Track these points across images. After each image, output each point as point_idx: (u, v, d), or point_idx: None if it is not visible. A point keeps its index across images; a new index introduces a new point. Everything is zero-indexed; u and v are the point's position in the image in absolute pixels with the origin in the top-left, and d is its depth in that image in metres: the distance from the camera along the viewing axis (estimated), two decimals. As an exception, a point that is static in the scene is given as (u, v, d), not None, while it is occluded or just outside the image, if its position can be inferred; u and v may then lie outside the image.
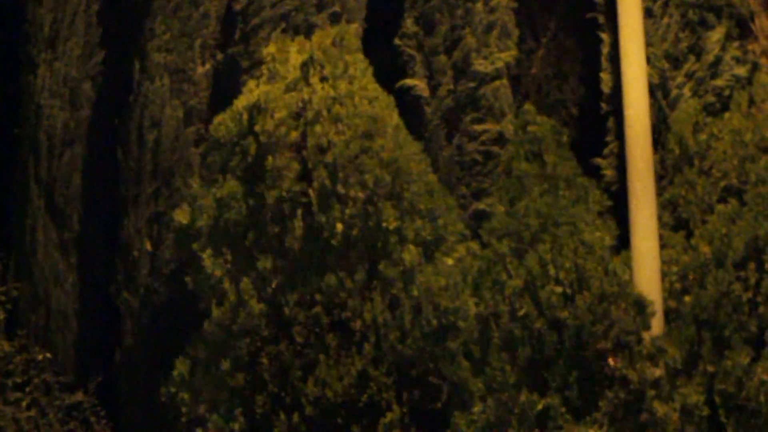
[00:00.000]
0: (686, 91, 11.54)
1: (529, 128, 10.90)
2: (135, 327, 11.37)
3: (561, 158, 10.84)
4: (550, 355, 9.94)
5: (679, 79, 11.59)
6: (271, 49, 10.79)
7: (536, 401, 9.82)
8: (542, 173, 10.69)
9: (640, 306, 10.10)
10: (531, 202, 10.32)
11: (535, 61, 12.22)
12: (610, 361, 9.69)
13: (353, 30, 11.10)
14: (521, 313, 9.94)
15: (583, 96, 12.18)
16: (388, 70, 11.70)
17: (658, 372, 9.93)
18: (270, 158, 10.31)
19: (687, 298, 10.41)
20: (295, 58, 10.67)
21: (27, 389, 10.53)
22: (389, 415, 10.00)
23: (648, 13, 11.53)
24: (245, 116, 10.55)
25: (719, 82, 11.55)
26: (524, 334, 9.92)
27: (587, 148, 11.45)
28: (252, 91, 10.65)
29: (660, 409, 9.81)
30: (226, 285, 10.27)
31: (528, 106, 11.16)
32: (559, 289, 9.98)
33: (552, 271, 10.01)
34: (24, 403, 10.45)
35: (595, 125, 11.77)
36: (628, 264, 10.39)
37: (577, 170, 10.92)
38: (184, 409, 10.26)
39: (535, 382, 9.93)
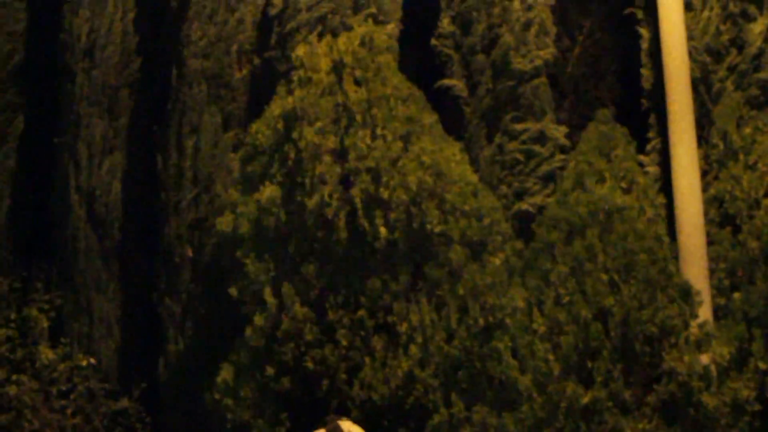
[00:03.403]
0: (729, 85, 11.41)
1: (601, 127, 10.79)
2: (177, 333, 11.34)
3: (627, 156, 10.72)
4: (595, 346, 9.84)
5: (722, 73, 11.46)
6: (300, 52, 10.74)
7: (582, 394, 9.72)
8: (608, 168, 10.57)
9: (686, 293, 10.00)
10: (582, 192, 10.23)
11: (572, 59, 12.13)
12: None
13: (383, 29, 11.04)
14: (566, 299, 9.86)
15: (621, 94, 12.08)
16: (425, 71, 11.63)
17: (705, 359, 9.81)
18: (311, 165, 10.27)
19: (736, 295, 10.28)
20: (326, 62, 10.62)
21: (72, 396, 10.53)
22: (436, 417, 9.91)
23: (688, 7, 11.40)
24: (281, 124, 10.51)
25: (762, 74, 11.41)
26: (569, 321, 9.83)
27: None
28: (285, 97, 10.61)
29: (710, 402, 9.69)
30: (269, 291, 10.22)
31: (603, 112, 11.04)
32: (605, 276, 9.90)
33: (601, 258, 9.93)
34: (69, 411, 10.45)
35: (634, 123, 11.67)
36: (675, 260, 10.29)
37: (638, 169, 10.81)
38: (229, 415, 10.21)
39: (581, 375, 9.83)
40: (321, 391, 10.07)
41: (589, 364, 9.85)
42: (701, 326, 9.98)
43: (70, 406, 10.45)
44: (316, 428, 8.92)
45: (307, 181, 10.29)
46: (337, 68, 10.60)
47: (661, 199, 10.66)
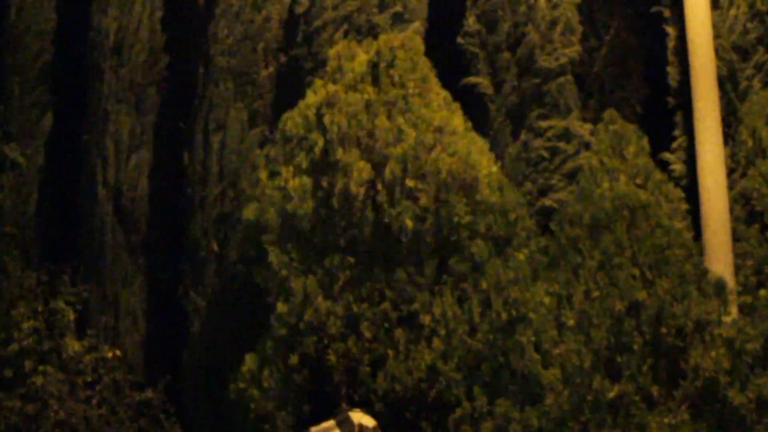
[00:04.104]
0: (756, 83, 11.40)
1: (611, 127, 10.78)
2: (202, 326, 11.38)
3: (641, 152, 10.72)
4: (626, 341, 9.79)
5: (749, 71, 11.45)
6: (337, 49, 10.76)
7: (609, 388, 9.69)
8: (621, 167, 10.58)
9: (721, 288, 9.97)
10: (605, 190, 10.21)
11: (598, 59, 12.13)
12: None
13: (417, 31, 11.06)
14: (595, 293, 9.85)
15: (647, 93, 12.08)
16: (451, 69, 11.66)
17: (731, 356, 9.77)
18: (338, 151, 10.28)
19: (763, 292, 10.25)
20: (362, 59, 10.64)
21: (97, 387, 10.59)
22: (458, 411, 9.90)
23: (715, 5, 11.41)
24: (312, 113, 10.52)
25: (790, 72, 11.43)
26: (600, 314, 9.81)
27: (653, 144, 11.30)
28: (319, 91, 10.64)
29: (735, 399, 9.65)
30: (293, 283, 10.23)
31: (610, 112, 11.04)
32: (637, 271, 9.87)
33: (628, 253, 9.92)
34: (94, 402, 10.51)
35: (660, 122, 11.66)
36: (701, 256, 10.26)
37: (652, 164, 10.80)
38: (252, 405, 10.22)
39: (609, 369, 9.80)
40: (344, 384, 10.07)
41: (619, 359, 9.82)
42: (734, 323, 9.93)
43: (95, 397, 10.51)
44: (327, 420, 8.86)
45: (334, 168, 10.29)
46: (374, 65, 10.60)
47: (678, 193, 10.65)
